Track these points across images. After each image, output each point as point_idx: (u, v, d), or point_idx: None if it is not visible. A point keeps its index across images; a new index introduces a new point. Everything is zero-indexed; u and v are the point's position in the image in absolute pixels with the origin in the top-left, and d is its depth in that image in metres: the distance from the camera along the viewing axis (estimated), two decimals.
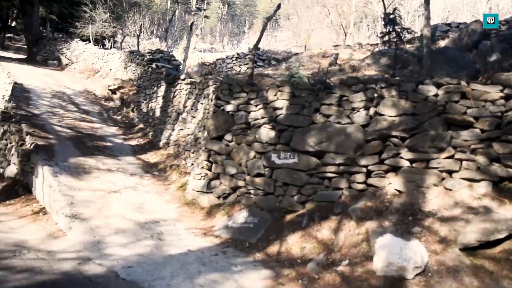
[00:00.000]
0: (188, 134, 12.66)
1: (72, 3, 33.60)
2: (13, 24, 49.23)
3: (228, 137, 10.02)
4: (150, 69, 16.68)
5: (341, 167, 8.25)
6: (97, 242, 7.77)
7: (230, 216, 9.26)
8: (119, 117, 17.19)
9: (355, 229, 7.32)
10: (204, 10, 63.47)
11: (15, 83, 17.95)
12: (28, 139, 12.32)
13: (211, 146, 10.28)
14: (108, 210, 9.28)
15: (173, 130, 13.73)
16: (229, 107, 10.26)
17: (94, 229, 8.30)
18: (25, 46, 41.70)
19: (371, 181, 7.97)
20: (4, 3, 32.78)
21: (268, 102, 9.61)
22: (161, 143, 14.14)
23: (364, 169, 8.07)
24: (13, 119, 14.05)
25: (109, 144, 13.97)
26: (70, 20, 39.54)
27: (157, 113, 15.32)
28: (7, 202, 10.69)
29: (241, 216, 9.10)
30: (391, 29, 11.55)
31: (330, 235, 7.59)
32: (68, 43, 26.71)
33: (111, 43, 36.43)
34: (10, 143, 13.04)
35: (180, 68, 15.98)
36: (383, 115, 8.07)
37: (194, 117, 12.69)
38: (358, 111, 8.43)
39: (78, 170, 11.11)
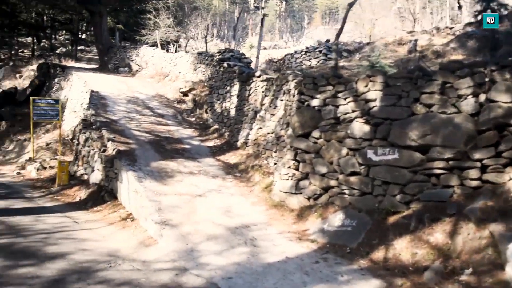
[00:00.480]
0: (268, 133, 12.09)
1: (137, 12, 34.16)
2: (83, 36, 51.16)
3: (315, 133, 9.32)
4: (221, 69, 16.30)
5: (450, 162, 7.32)
6: (190, 250, 7.34)
7: (325, 218, 8.55)
8: (193, 119, 16.96)
9: (476, 233, 6.38)
10: (262, 8, 63.11)
11: (92, 91, 18.20)
12: (109, 145, 12.23)
13: (298, 144, 9.63)
14: (196, 215, 8.87)
15: (251, 129, 13.22)
16: (315, 102, 9.57)
17: (185, 236, 7.88)
18: (96, 57, 43.16)
19: (487, 177, 7.01)
20: (75, 17, 33.85)
21: (359, 94, 8.81)
22: (238, 143, 13.68)
23: (478, 164, 7.10)
24: (94, 126, 14.10)
25: (187, 146, 13.69)
26: (136, 28, 40.52)
27: (232, 112, 14.89)
28: (95, 208, 10.59)
29: (336, 219, 8.37)
30: (486, 6, 10.41)
31: (445, 239, 6.70)
32: (137, 50, 27.08)
33: (175, 48, 36.76)
34: (93, 149, 13.05)
35: (253, 66, 15.43)
36: (496, 101, 7.07)
37: (273, 114, 12.09)
38: (465, 98, 7.46)
39: (161, 174, 10.82)
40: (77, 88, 20.36)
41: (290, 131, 10.09)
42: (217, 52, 18.33)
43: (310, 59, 20.25)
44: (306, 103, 9.84)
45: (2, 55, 45.89)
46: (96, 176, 12.15)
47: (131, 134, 13.80)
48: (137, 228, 8.79)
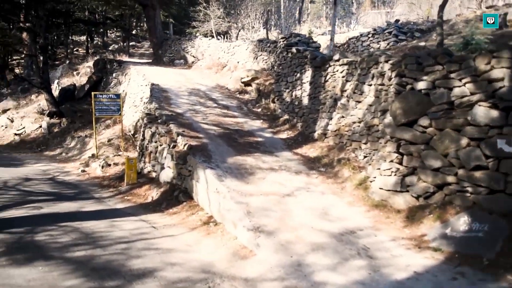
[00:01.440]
0: (354, 122, 10.58)
1: (188, 4, 33.20)
2: (134, 32, 51.00)
3: (423, 121, 7.77)
4: (289, 55, 14.85)
5: None
6: (297, 264, 6.03)
7: (444, 221, 7.03)
8: (259, 110, 15.66)
9: None
10: None
11: (152, 84, 17.24)
12: (180, 140, 11.10)
13: (400, 134, 8.12)
14: (290, 219, 7.55)
15: (330, 118, 11.76)
16: (421, 85, 8.01)
17: (286, 245, 6.58)
18: (147, 52, 42.72)
19: None
20: (127, 11, 33.26)
21: (479, 74, 7.19)
22: (316, 134, 12.26)
23: None
24: (159, 120, 13.05)
25: (259, 139, 12.40)
26: (187, 21, 39.68)
27: (305, 101, 13.46)
28: (170, 210, 9.47)
29: (461, 222, 6.82)
30: None
31: None
32: (192, 41, 26.06)
33: (226, 39, 35.65)
34: (161, 145, 11.99)
35: (326, 49, 13.91)
36: None
37: (359, 101, 10.57)
38: None
39: (241, 172, 9.57)
40: (136, 82, 19.50)
41: (388, 119, 8.58)
42: (282, 38, 16.89)
43: (379, 41, 18.48)
44: (409, 86, 8.30)
45: (59, 54, 46.43)
46: (167, 174, 11.06)
47: (200, 127, 12.64)
48: (225, 235, 7.56)
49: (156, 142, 12.35)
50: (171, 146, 11.24)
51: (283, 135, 13.06)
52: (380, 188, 8.34)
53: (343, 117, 11.25)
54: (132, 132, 17.43)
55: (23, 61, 40.53)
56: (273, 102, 15.54)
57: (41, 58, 25.30)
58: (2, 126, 28.14)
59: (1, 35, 25.48)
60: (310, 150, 11.63)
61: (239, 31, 33.13)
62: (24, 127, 25.80)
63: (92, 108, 16.35)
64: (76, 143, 20.75)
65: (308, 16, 55.92)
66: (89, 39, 47.66)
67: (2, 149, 22.85)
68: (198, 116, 13.87)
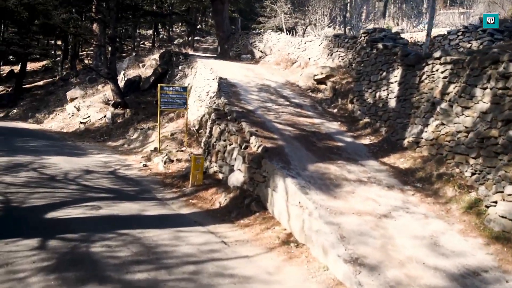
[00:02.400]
0: (459, 131, 8.77)
1: None
2: (199, 26, 50.65)
3: None
4: (374, 51, 13.14)
5: None
6: None
7: None
8: (335, 110, 14.05)
9: None
10: None
11: (220, 78, 16.04)
12: (253, 140, 9.75)
13: None
14: (395, 250, 5.98)
15: (425, 125, 9.99)
16: None
17: None
18: (211, 46, 42.00)
19: None
20: (194, 6, 32.50)
21: None
22: (405, 142, 10.52)
23: None
24: (229, 117, 11.78)
25: (340, 144, 10.83)
26: (253, 16, 38.55)
27: (392, 103, 11.73)
28: (242, 221, 8.13)
29: None
30: None
31: None
32: (260, 36, 24.73)
33: (292, 35, 34.16)
34: (230, 144, 10.70)
35: (422, 46, 12.10)
36: None
37: (466, 107, 8.75)
38: None
39: (325, 183, 8.07)
40: (203, 75, 18.41)
41: None
42: (364, 33, 15.18)
43: (470, 40, 16.22)
44: None
45: (126, 46, 46.82)
46: (236, 178, 9.74)
47: (273, 127, 11.24)
48: (311, 262, 6.10)
49: (225, 140, 11.08)
50: (242, 146, 9.91)
51: (365, 141, 11.40)
52: (502, 217, 6.58)
53: (443, 124, 9.45)
54: (196, 128, 16.34)
55: (92, 52, 41.08)
56: (351, 102, 13.87)
57: (109, 49, 24.90)
58: (69, 114, 28.19)
59: (73, 25, 25.27)
60: (400, 160, 9.92)
61: (306, 27, 31.55)
62: (89, 116, 25.56)
63: (158, 100, 15.38)
64: (139, 135, 20.00)
65: (375, 15, 53.27)
66: (155, 33, 47.77)
67: (67, 136, 22.60)
68: (270, 115, 12.48)
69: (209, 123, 13.40)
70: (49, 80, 41.43)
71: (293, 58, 20.62)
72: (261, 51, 23.85)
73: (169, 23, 44.24)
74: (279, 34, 23.72)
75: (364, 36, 15.02)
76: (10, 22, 40.08)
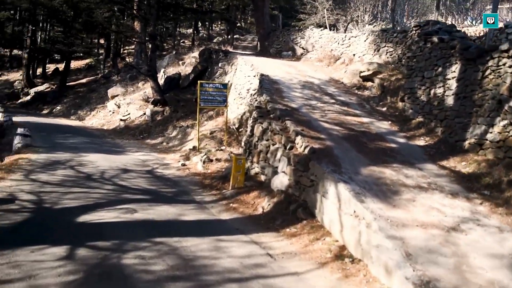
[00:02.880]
0: None
1: None
2: (238, 24, 50.18)
3: None
4: (428, 45, 12.02)
5: None
6: None
7: None
8: (384, 109, 13.02)
9: None
10: None
11: (262, 75, 15.27)
12: (299, 140, 8.92)
13: None
14: (471, 271, 5.05)
15: (490, 125, 8.88)
16: None
17: None
18: (251, 44, 41.35)
19: None
20: (235, 2, 31.89)
21: None
22: (465, 144, 9.43)
23: None
24: (272, 115, 11.01)
25: (392, 145, 9.84)
26: (294, 13, 37.64)
27: (449, 101, 10.63)
28: (287, 229, 7.34)
29: None
30: None
31: None
32: (302, 32, 23.81)
33: (334, 32, 33.03)
34: (273, 144, 9.93)
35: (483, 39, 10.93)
36: None
37: None
38: None
39: (381, 189, 7.16)
40: (243, 72, 17.71)
41: None
42: (415, 26, 14.07)
43: None
44: None
45: (166, 45, 46.89)
46: (281, 181, 8.95)
47: (320, 126, 10.37)
48: (371, 283, 5.25)
49: (267, 140, 10.30)
50: (287, 147, 9.11)
51: (420, 142, 10.36)
52: None
53: None
54: (236, 126, 15.64)
55: (133, 50, 41.30)
56: (402, 100, 12.80)
57: (150, 46, 24.62)
58: (110, 111, 28.22)
59: (115, 23, 25.18)
60: (461, 164, 8.85)
61: (348, 24, 30.39)
62: (129, 114, 25.41)
63: (197, 98, 14.78)
64: (178, 133, 19.54)
65: (418, 10, 51.16)
66: (195, 31, 47.61)
67: (107, 134, 22.47)
68: (315, 113, 11.61)
69: (250, 121, 12.67)
70: (91, 78, 41.99)
71: (336, 55, 19.63)
72: (302, 48, 22.95)
73: (209, 21, 44.01)
74: (321, 30, 22.73)
75: (416, 30, 13.91)
76: (56, 21, 40.94)
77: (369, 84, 15.38)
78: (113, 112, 27.81)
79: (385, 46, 15.99)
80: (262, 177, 10.25)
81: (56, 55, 44.80)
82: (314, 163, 7.98)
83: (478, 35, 17.21)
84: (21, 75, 41.97)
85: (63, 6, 34.72)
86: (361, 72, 15.64)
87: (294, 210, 7.86)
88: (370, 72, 15.17)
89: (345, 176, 7.35)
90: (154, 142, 19.57)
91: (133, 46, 43.37)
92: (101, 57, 44.17)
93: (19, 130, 15.93)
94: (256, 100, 13.77)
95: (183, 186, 10.70)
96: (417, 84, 12.22)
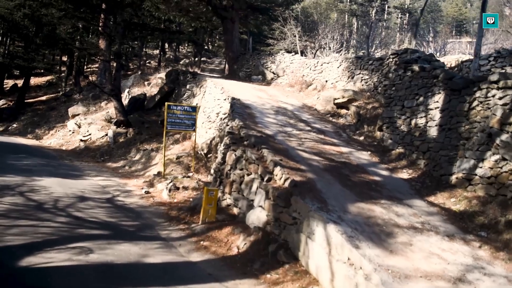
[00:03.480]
0: None
1: (267, 19, 30.77)
2: (206, 47, 49.61)
3: None
4: (408, 73, 11.53)
5: None
6: None
7: None
8: (361, 138, 12.37)
9: None
10: (385, 21, 57.37)
11: (233, 98, 14.38)
12: (278, 172, 8.02)
13: None
14: None
15: (480, 159, 8.29)
16: None
17: None
18: (217, 68, 40.65)
19: None
20: (204, 25, 31.18)
21: None
22: (452, 178, 8.80)
23: None
24: (246, 142, 10.09)
25: (376, 178, 9.11)
26: (263, 38, 37.38)
27: (432, 132, 10.06)
28: (268, 275, 6.34)
29: None
30: None
31: None
32: (273, 56, 23.20)
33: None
34: (248, 174, 8.99)
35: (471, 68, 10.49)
36: None
37: None
38: None
39: (374, 230, 6.31)
40: (213, 95, 16.79)
41: None
42: (392, 54, 13.66)
43: (504, 66, 14.72)
44: None
45: (132, 65, 45.56)
46: (257, 216, 7.98)
47: (298, 156, 9.52)
48: None
49: (241, 169, 9.35)
50: (265, 178, 8.19)
51: (403, 175, 9.68)
52: None
53: (504, 159, 7.77)
54: (205, 152, 14.62)
55: (97, 69, 39.68)
56: (380, 130, 12.20)
57: (115, 65, 23.39)
58: (70, 131, 26.54)
59: (78, 39, 23.83)
60: (451, 201, 8.18)
61: (316, 51, 30.24)
62: (90, 134, 23.86)
63: (164, 120, 13.70)
64: (141, 156, 18.27)
65: (381, 42, 52.25)
66: (161, 52, 46.63)
67: (65, 155, 20.85)
68: (292, 141, 10.78)
69: (221, 147, 11.71)
70: (52, 95, 39.95)
71: (308, 81, 19.05)
72: (273, 73, 22.31)
73: (177, 41, 43.05)
74: (292, 55, 22.20)
75: (393, 58, 13.49)
76: (16, 36, 38.88)
77: (343, 111, 14.79)
78: (73, 132, 26.14)
79: (359, 74, 15.52)
80: (235, 210, 9.26)
81: (15, 70, 42.53)
82: (297, 198, 7.08)
83: (450, 65, 17.12)
84: None
85: (24, 20, 32.97)
86: (335, 99, 15.04)
87: (274, 252, 6.88)
88: (345, 100, 14.59)
89: (333, 215, 6.47)
90: (116, 165, 18.20)
91: (97, 65, 41.86)
92: (63, 74, 42.27)
93: None
94: (227, 125, 12.85)
95: (147, 218, 9.52)
96: (397, 114, 11.65)
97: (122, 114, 22.23)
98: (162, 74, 30.95)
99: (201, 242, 7.83)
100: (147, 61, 46.99)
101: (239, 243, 7.55)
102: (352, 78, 15.93)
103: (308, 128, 12.52)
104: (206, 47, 49.96)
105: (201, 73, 28.30)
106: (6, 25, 36.33)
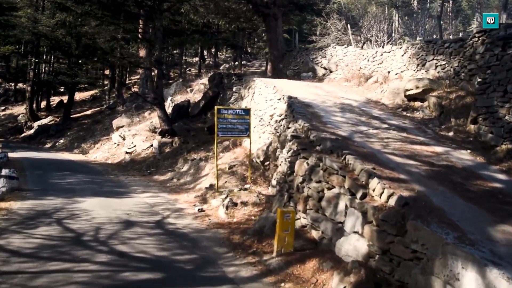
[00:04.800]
0: None
1: (312, 15, 28.69)
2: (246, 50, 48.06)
3: None
4: (510, 51, 9.14)
5: None
6: None
7: None
8: (451, 133, 10.06)
9: None
10: (427, 10, 53.74)
11: (290, 97, 12.35)
12: (375, 184, 5.94)
13: None
14: None
15: None
16: None
17: None
18: (258, 70, 38.90)
19: None
20: (244, 25, 29.39)
21: None
22: None
23: None
24: (319, 147, 8.04)
25: (496, 185, 6.82)
26: (307, 33, 35.32)
27: None
28: None
29: None
30: None
31: None
32: (323, 51, 21.00)
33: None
34: (330, 188, 6.93)
35: None
36: None
37: None
38: None
39: None
40: (264, 95, 14.86)
41: None
42: (478, 32, 11.26)
43: None
44: None
45: (173, 74, 44.55)
46: (354, 246, 5.90)
47: (390, 161, 7.38)
48: None
49: (319, 182, 7.30)
50: (357, 194, 6.12)
51: None
52: None
53: None
54: (261, 159, 12.69)
55: (138, 79, 38.79)
56: (474, 122, 9.83)
57: (156, 72, 21.92)
58: (115, 143, 25.36)
59: (116, 47, 22.55)
60: None
61: (363, 44, 27.80)
62: (135, 146, 22.52)
63: (214, 126, 11.85)
64: (189, 167, 16.56)
65: (423, 33, 48.77)
66: (201, 60, 45.38)
67: (111, 169, 19.50)
68: (373, 142, 8.64)
69: (283, 154, 9.73)
70: (96, 109, 39.38)
71: (366, 73, 16.78)
72: (324, 68, 20.12)
73: (216, 45, 41.49)
74: (345, 47, 19.93)
75: (480, 36, 11.07)
76: (59, 53, 38.57)
77: (417, 104, 12.47)
78: (118, 145, 24.94)
79: (432, 60, 13.12)
80: (314, 234, 7.22)
81: (60, 87, 42.34)
82: (416, 224, 4.96)
83: None
84: (25, 108, 39.39)
85: (66, 37, 32.36)
86: (406, 90, 12.74)
87: None
88: (419, 90, 12.27)
89: (484, 251, 4.31)
90: (163, 178, 16.59)
91: (138, 76, 41.08)
92: (106, 87, 41.70)
93: (4, 172, 12.97)
94: (287, 128, 10.87)
95: (206, 248, 7.60)
96: (497, 101, 9.25)
97: (166, 123, 20.69)
98: (204, 80, 29.41)
99: (282, 284, 5.82)
100: (187, 69, 45.88)
101: (334, 286, 5.50)
102: (423, 65, 13.53)
103: (385, 125, 10.31)
104: (245, 50, 48.26)
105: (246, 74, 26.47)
106: (48, 43, 35.89)
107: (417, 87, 12.34)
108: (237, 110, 12.13)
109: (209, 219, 9.77)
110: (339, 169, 6.81)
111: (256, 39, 50.31)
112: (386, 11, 56.09)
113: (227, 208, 10.08)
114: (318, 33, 32.55)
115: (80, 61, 32.19)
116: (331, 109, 11.75)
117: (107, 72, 43.29)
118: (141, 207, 10.95)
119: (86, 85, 42.45)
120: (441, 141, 9.41)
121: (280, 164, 10.17)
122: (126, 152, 22.43)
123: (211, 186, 12.64)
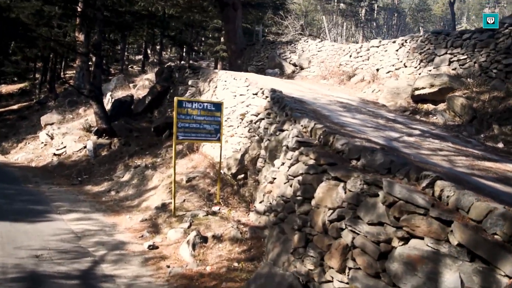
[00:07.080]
0: None
1: (274, 7, 25.68)
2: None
3: None
4: None
5: None
6: None
7: None
8: (500, 145, 7.23)
9: None
10: (374, 20, 52.95)
11: (273, 90, 9.01)
12: None
13: None
14: None
15: None
16: None
17: None
18: (210, 69, 35.26)
19: None
20: (198, 16, 25.67)
21: None
22: None
23: None
24: (356, 162, 4.75)
25: None
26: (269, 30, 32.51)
27: None
28: None
29: None
30: None
31: None
32: (293, 45, 17.85)
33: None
34: (407, 238, 3.61)
35: None
36: None
37: None
38: None
39: None
40: (232, 89, 11.39)
41: None
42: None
43: None
44: None
45: (113, 70, 39.83)
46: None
47: (492, 189, 4.22)
48: None
49: (381, 225, 3.98)
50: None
51: None
52: None
53: None
54: (233, 171, 9.21)
55: (74, 73, 33.71)
56: None
57: (94, 59, 17.68)
58: (42, 143, 20.66)
59: (45, 22, 17.95)
60: None
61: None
62: (65, 147, 18.10)
63: (174, 126, 8.17)
64: (132, 176, 12.71)
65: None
66: (144, 57, 41.03)
67: (31, 175, 15.09)
68: (429, 155, 5.51)
69: (282, 168, 6.36)
70: (25, 103, 33.70)
71: (348, 71, 13.84)
72: (294, 64, 16.99)
73: (159, 49, 37.28)
74: (320, 41, 16.92)
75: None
76: None
77: (428, 106, 9.62)
78: (45, 144, 20.28)
79: (445, 54, 10.35)
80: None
81: None
82: None
83: None
84: None
85: None
86: (415, 89, 9.86)
87: None
88: (435, 90, 9.41)
89: None
90: (98, 189, 12.59)
91: (74, 71, 35.84)
92: (37, 81, 36.06)
93: None
94: (266, 129, 7.50)
95: None
96: None
97: (104, 120, 16.51)
98: (150, 75, 25.42)
99: None
100: (130, 66, 41.31)
101: None
102: (432, 60, 10.73)
103: (416, 131, 7.25)
104: (192, 48, 44.53)
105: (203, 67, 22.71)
106: None
107: (432, 86, 9.47)
108: (205, 104, 8.52)
109: (167, 265, 6.12)
110: (431, 207, 3.54)
111: (203, 39, 46.69)
112: (334, 19, 54.77)
113: (193, 246, 6.49)
114: (274, 31, 29.63)
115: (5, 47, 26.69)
116: (333, 108, 8.55)
117: (39, 64, 37.57)
118: (62, 241, 7.08)
119: (14, 78, 36.56)
120: (500, 155, 6.49)
121: (273, 182, 6.78)
122: (54, 154, 17.99)
123: (164, 206, 8.97)
